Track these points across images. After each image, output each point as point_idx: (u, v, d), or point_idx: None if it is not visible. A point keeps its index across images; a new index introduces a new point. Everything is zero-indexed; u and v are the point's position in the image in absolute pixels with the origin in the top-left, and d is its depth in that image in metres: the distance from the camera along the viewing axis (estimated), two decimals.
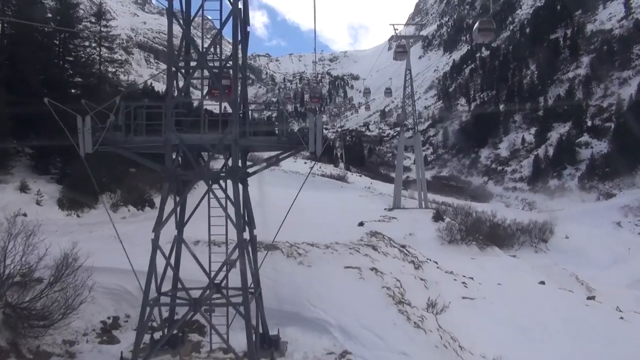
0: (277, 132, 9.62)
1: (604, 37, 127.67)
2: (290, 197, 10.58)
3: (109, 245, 11.94)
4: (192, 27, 10.55)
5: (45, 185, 20.52)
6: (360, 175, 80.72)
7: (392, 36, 32.83)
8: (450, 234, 20.90)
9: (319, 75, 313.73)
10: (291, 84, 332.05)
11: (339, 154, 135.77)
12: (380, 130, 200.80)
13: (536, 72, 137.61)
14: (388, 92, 36.20)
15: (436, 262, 16.69)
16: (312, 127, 8.74)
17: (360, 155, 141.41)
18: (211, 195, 9.40)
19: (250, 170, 10.40)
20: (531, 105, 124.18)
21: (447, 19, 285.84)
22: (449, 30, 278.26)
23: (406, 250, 16.02)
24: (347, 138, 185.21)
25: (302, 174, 48.97)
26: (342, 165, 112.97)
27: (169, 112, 8.54)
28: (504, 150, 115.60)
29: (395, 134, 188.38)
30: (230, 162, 9.18)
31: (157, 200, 22.62)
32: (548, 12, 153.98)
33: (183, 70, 10.11)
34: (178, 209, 9.69)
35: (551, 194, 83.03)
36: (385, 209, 27.95)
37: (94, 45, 27.89)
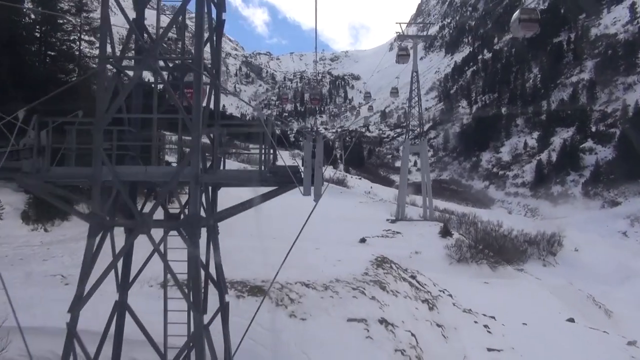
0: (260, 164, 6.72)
1: (608, 42, 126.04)
2: (285, 201, 8.17)
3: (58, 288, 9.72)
4: (190, 22, 7.33)
5: (10, 195, 17.98)
6: (360, 178, 78.86)
7: (398, 35, 30.85)
8: (459, 251, 19.08)
9: (320, 75, 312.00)
10: (292, 82, 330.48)
11: (338, 155, 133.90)
12: (381, 131, 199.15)
13: (539, 76, 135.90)
14: (394, 92, 34.20)
15: (451, 295, 14.79)
16: (308, 160, 5.91)
17: (360, 156, 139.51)
18: (164, 256, 6.55)
19: (219, 215, 7.17)
20: (534, 109, 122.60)
21: (449, 21, 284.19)
22: (450, 31, 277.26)
23: (417, 282, 14.11)
24: (347, 138, 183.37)
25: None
26: (341, 166, 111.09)
27: (98, 133, 5.74)
28: (505, 155, 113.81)
29: (395, 135, 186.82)
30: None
31: None
32: (551, 16, 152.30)
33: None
34: (119, 265, 6.63)
35: (554, 200, 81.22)
36: (388, 220, 26.01)
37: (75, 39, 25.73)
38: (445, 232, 20.32)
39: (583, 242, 40.11)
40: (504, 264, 19.74)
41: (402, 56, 30.58)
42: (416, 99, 24.61)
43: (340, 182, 55.22)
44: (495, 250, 21.55)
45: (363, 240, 17.89)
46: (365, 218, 27.87)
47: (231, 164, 49.05)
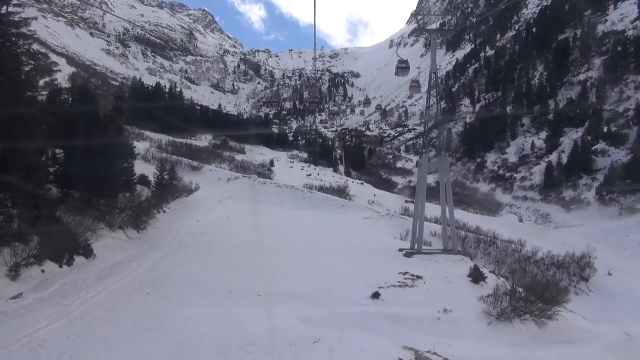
0: None
1: (616, 39, 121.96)
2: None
3: None
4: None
5: None
6: (362, 184, 74.66)
7: (415, 29, 27.06)
8: (497, 303, 15.03)
9: (319, 73, 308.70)
10: (290, 80, 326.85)
11: (338, 156, 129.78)
12: (382, 131, 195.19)
13: (545, 74, 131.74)
14: (415, 85, 29.81)
15: None
16: None
17: (361, 156, 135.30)
18: None
19: None
20: (540, 108, 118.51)
21: (450, 18, 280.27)
22: (452, 28, 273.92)
23: None
24: (347, 138, 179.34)
25: (297, 189, 43.17)
26: (342, 169, 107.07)
27: None
28: (512, 156, 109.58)
29: (397, 134, 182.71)
30: None
31: (96, 247, 16.64)
32: (556, 12, 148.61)
33: None
34: None
35: (566, 206, 76.99)
36: (401, 251, 21.83)
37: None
38: (476, 276, 16.18)
39: (613, 260, 36.21)
40: (552, 317, 15.59)
41: (402, 69, 28.36)
42: (437, 105, 20.46)
43: (342, 193, 51.07)
44: (528, 286, 17.45)
45: (376, 296, 13.70)
46: (374, 247, 23.75)
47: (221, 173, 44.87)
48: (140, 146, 49.19)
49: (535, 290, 17.56)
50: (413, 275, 16.32)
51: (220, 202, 33.79)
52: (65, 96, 21.95)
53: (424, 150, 22.71)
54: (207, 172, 44.56)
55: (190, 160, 45.20)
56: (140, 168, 34.03)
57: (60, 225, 16.30)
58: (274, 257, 18.86)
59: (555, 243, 48.82)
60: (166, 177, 29.10)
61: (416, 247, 21.29)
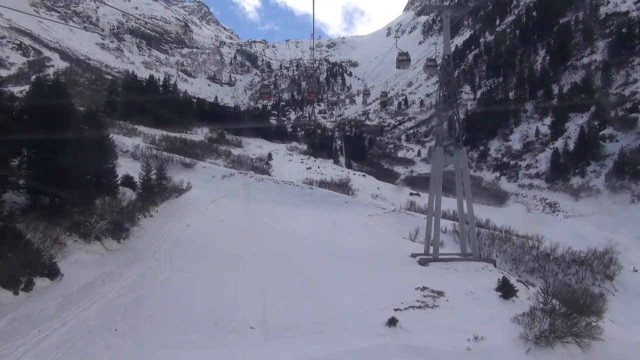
0: None
1: (620, 20, 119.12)
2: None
3: None
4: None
5: None
6: (364, 175, 72.15)
7: (425, 5, 24.72)
8: (533, 322, 12.78)
9: (317, 62, 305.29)
10: (288, 70, 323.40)
11: (338, 147, 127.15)
12: (381, 119, 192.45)
13: (547, 58, 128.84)
14: (431, 64, 27.45)
15: None
16: None
17: (361, 146, 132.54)
18: None
19: None
20: (543, 93, 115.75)
21: (448, 3, 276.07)
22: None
23: None
24: (347, 128, 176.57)
25: (297, 185, 40.61)
26: (342, 160, 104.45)
27: None
28: (515, 143, 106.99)
29: (396, 123, 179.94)
30: None
31: (64, 264, 14.31)
32: None
33: None
34: None
35: (575, 193, 74.49)
36: (413, 256, 19.41)
37: None
38: (506, 289, 13.85)
39: (634, 253, 33.90)
40: (596, 336, 13.33)
41: (403, 61, 26.98)
42: (453, 95, 18.01)
43: (344, 187, 48.53)
44: (573, 304, 15.17)
45: (393, 322, 11.36)
46: (382, 252, 21.36)
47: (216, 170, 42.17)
48: (131, 142, 46.70)
49: (573, 304, 15.25)
50: (433, 291, 13.93)
51: (214, 202, 31.35)
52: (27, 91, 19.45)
53: (437, 143, 20.21)
54: (200, 169, 41.99)
55: (182, 157, 42.58)
56: (128, 167, 31.59)
57: (19, 242, 13.94)
58: (271, 270, 16.48)
59: (567, 234, 46.61)
60: (153, 177, 26.66)
61: (431, 252, 18.87)
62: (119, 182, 23.74)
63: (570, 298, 15.08)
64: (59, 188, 16.94)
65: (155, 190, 26.58)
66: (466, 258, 18.10)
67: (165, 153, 42.20)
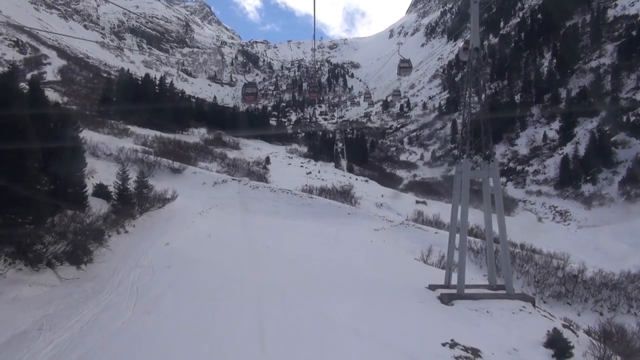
0: None
1: (629, 23, 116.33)
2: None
3: None
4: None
5: None
6: (367, 181, 68.96)
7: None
8: None
9: (318, 63, 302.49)
10: (289, 71, 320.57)
11: (339, 150, 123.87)
12: (383, 122, 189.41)
13: (554, 61, 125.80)
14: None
15: None
16: None
17: (363, 149, 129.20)
18: None
19: None
20: (550, 97, 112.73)
21: (450, 6, 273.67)
22: (452, 17, 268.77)
23: None
24: (348, 130, 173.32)
25: (295, 194, 37.29)
26: (344, 163, 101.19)
27: None
28: (522, 148, 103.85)
29: (399, 125, 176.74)
30: None
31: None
32: None
33: None
34: None
35: (586, 201, 71.23)
36: (432, 289, 16.16)
37: None
38: (560, 347, 10.67)
39: None
40: None
41: (405, 68, 27.65)
42: (480, 99, 14.96)
43: (347, 195, 45.33)
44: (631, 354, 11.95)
45: None
46: (394, 281, 18.11)
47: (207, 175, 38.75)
48: (121, 144, 43.50)
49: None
50: (465, 348, 10.68)
51: (202, 213, 28.12)
52: None
53: (460, 148, 17.05)
54: (190, 174, 38.63)
55: (170, 161, 39.26)
56: (110, 173, 28.43)
57: None
58: (258, 311, 13.24)
59: (586, 247, 43.44)
60: (130, 186, 23.43)
61: (453, 283, 15.61)
62: (87, 193, 20.53)
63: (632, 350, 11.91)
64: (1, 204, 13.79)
65: (134, 201, 23.38)
66: (497, 294, 14.88)
67: (152, 157, 38.90)
